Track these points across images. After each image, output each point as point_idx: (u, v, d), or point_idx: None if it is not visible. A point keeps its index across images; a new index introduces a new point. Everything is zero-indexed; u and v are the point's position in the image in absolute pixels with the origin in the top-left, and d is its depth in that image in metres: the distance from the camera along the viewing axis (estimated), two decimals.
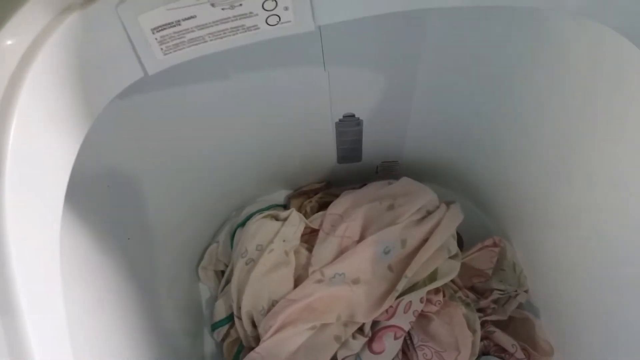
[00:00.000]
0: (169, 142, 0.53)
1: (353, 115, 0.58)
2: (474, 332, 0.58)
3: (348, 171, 0.71)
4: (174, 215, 0.60)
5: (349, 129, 0.60)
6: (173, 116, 0.50)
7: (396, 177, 0.67)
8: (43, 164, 0.29)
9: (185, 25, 0.31)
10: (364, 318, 0.56)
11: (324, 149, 0.65)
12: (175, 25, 0.30)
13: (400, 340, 0.56)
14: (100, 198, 0.45)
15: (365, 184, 0.68)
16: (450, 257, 0.60)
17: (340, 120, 0.58)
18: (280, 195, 0.75)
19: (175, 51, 0.32)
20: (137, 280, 0.50)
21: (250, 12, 0.31)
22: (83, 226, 0.41)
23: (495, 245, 0.65)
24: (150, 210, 0.54)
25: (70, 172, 0.31)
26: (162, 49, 0.31)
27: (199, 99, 0.48)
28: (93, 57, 0.30)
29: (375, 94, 0.54)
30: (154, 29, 0.30)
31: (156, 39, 0.31)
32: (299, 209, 0.69)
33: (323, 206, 0.68)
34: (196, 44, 0.32)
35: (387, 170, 0.73)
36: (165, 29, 0.30)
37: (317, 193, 0.73)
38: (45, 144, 0.29)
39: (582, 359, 0.53)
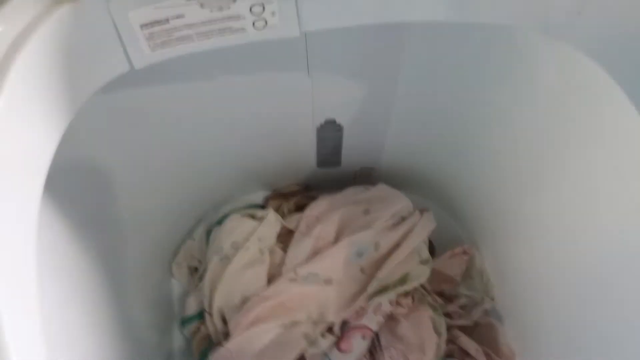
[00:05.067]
0: (149, 137, 0.53)
1: (334, 121, 0.59)
2: (439, 335, 0.59)
3: (327, 176, 0.73)
4: (150, 210, 0.60)
5: (330, 134, 0.61)
6: (155, 113, 0.50)
7: (373, 184, 0.69)
8: (25, 150, 0.29)
9: (173, 23, 0.32)
10: (334, 317, 0.57)
11: (304, 152, 0.66)
12: (164, 23, 0.31)
13: (368, 341, 0.57)
14: (76, 189, 0.45)
15: (342, 189, 0.70)
16: (421, 262, 0.62)
17: (321, 125, 0.59)
18: (258, 196, 0.75)
19: (162, 48, 0.32)
20: (109, 273, 0.50)
21: (238, 15, 0.32)
22: (58, 216, 0.41)
23: (465, 253, 0.67)
24: (125, 204, 0.54)
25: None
26: (150, 45, 0.32)
27: (182, 97, 0.49)
28: (81, 49, 0.31)
29: (357, 101, 0.56)
30: (143, 25, 0.31)
31: (145, 35, 0.32)
32: (277, 210, 0.70)
33: (300, 208, 0.69)
34: (183, 42, 0.33)
35: (365, 176, 0.75)
36: (154, 26, 0.31)
37: (295, 195, 0.74)
38: (29, 130, 0.29)
39: None
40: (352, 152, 0.67)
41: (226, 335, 0.60)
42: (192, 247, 0.69)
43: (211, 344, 0.63)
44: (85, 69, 0.32)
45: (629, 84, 0.35)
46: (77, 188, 0.45)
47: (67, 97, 0.32)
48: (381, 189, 0.66)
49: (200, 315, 0.64)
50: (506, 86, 0.49)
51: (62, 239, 0.42)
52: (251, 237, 0.61)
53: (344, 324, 0.59)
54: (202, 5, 0.31)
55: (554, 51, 0.41)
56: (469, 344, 0.61)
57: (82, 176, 0.46)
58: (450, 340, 0.62)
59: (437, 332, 0.59)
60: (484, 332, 0.64)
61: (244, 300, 0.59)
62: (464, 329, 0.64)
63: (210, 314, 0.61)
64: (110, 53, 0.33)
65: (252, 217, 0.65)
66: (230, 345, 0.56)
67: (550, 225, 0.52)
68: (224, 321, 0.60)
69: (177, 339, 0.67)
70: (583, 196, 0.45)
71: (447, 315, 0.64)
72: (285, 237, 0.66)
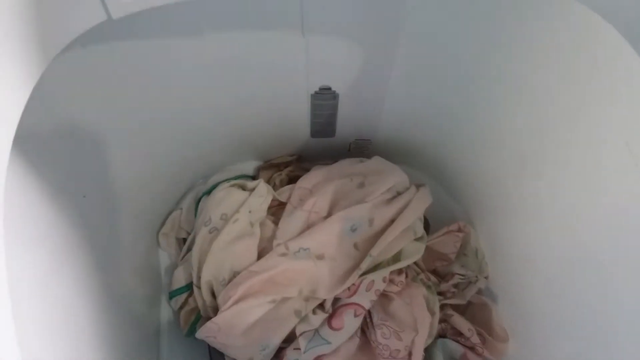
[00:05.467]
0: (135, 99, 0.50)
1: (329, 89, 0.56)
2: (432, 314, 0.58)
3: (320, 146, 0.70)
4: (136, 177, 0.58)
5: (325, 102, 0.58)
6: (140, 73, 0.47)
7: (368, 156, 0.66)
8: None
9: None
10: (326, 294, 0.56)
11: (297, 121, 0.63)
12: None
13: (360, 318, 0.56)
14: (56, 153, 0.42)
15: (337, 161, 0.67)
16: (416, 239, 0.60)
17: (316, 92, 0.56)
18: (249, 166, 0.73)
19: None
20: (95, 243, 0.48)
21: None
22: (37, 183, 0.38)
23: (460, 230, 0.65)
24: (111, 170, 0.52)
25: (23, 122, 0.29)
26: None
27: (168, 56, 0.46)
28: None
29: (354, 67, 0.53)
30: None
31: None
32: (268, 181, 0.68)
33: (293, 180, 0.67)
34: None
35: (360, 149, 0.72)
36: None
37: (287, 166, 0.71)
38: None
39: (536, 344, 0.54)
40: (347, 122, 0.64)
41: (214, 309, 0.58)
42: (179, 217, 0.66)
43: (199, 316, 0.62)
44: (57, 16, 0.29)
45: None
46: (56, 152, 0.42)
47: (37, 48, 0.29)
48: (377, 162, 0.64)
49: (189, 288, 0.62)
50: (513, 51, 0.46)
51: (48, 207, 0.40)
52: (241, 208, 0.59)
53: (336, 301, 0.57)
54: None
55: (565, 10, 0.38)
56: (462, 323, 0.60)
57: (68, 140, 0.43)
58: (443, 319, 0.61)
59: (431, 311, 0.58)
60: (477, 311, 0.63)
61: (233, 275, 0.57)
62: (456, 307, 0.63)
63: (199, 287, 0.59)
64: (85, 0, 0.29)
65: (242, 187, 0.62)
66: (218, 319, 0.54)
67: (550, 205, 0.50)
68: (213, 295, 0.59)
69: (165, 311, 0.65)
70: (587, 175, 0.43)
71: (440, 293, 0.63)
72: (277, 210, 0.63)
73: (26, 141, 0.28)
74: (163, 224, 0.66)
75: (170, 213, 0.67)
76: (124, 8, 0.29)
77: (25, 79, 0.29)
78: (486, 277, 0.64)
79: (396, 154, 0.70)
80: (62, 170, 0.43)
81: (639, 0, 0.32)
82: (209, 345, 0.60)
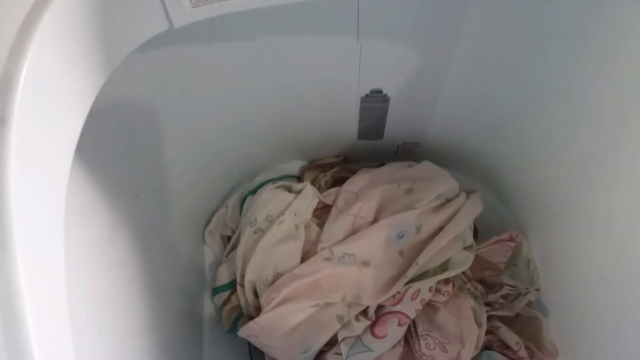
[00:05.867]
0: (187, 97, 0.50)
1: (381, 91, 0.55)
2: (479, 325, 0.56)
3: (367, 148, 0.69)
4: (187, 173, 0.59)
5: (375, 105, 0.57)
6: (195, 72, 0.47)
7: (416, 159, 0.65)
8: (56, 111, 0.27)
9: None
10: (370, 301, 0.55)
11: (345, 123, 0.62)
12: None
13: (404, 328, 0.55)
14: (115, 151, 0.43)
15: (383, 164, 0.66)
16: (465, 248, 0.58)
17: (366, 95, 0.55)
18: (294, 166, 0.72)
19: (204, 5, 0.29)
20: (142, 236, 0.49)
21: None
22: (91, 176, 0.39)
23: (511, 239, 0.63)
24: (163, 166, 0.53)
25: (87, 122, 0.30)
26: (191, 1, 0.28)
27: (223, 57, 0.46)
28: (117, 5, 0.28)
29: (407, 71, 0.51)
30: None
31: None
32: (313, 182, 0.67)
33: (338, 181, 0.66)
34: (226, 0, 0.29)
35: (408, 152, 0.70)
36: None
37: (332, 167, 0.70)
38: (59, 90, 0.27)
39: None
40: (396, 125, 0.63)
41: (256, 308, 0.59)
42: (225, 215, 0.67)
43: (241, 314, 0.62)
44: (123, 25, 0.30)
45: None
46: (120, 149, 0.44)
47: (102, 55, 0.29)
48: (426, 167, 0.62)
49: (232, 285, 0.63)
50: (581, 61, 0.43)
51: (105, 203, 0.41)
52: (286, 210, 0.59)
53: (379, 309, 0.56)
54: None
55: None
56: (510, 336, 0.58)
57: (127, 135, 0.45)
58: (490, 331, 0.59)
59: (478, 323, 0.56)
60: (526, 324, 0.60)
61: (277, 276, 0.57)
62: (504, 319, 0.60)
63: (242, 286, 0.59)
64: (149, 10, 0.30)
65: (289, 189, 0.62)
66: (261, 320, 0.54)
67: (606, 218, 0.47)
68: (255, 294, 0.59)
69: (208, 307, 0.66)
70: None
71: (488, 304, 0.61)
72: (322, 212, 0.63)
73: (91, 134, 0.29)
74: (209, 221, 0.67)
75: (215, 211, 0.68)
76: (185, 18, 0.29)
77: (95, 79, 0.29)
78: (537, 289, 0.62)
79: (446, 158, 0.68)
80: (121, 167, 0.44)
81: None
82: (249, 342, 0.60)
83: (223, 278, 0.64)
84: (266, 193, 0.61)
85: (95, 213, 0.40)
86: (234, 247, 0.63)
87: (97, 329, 0.38)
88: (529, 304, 0.62)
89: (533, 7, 0.41)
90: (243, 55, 0.46)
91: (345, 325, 0.55)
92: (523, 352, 0.57)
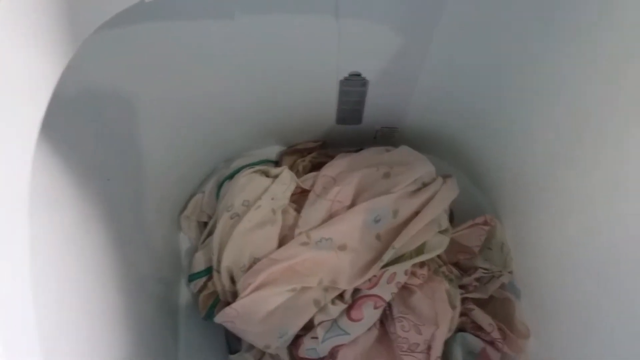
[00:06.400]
0: (165, 77, 0.49)
1: (359, 75, 0.54)
2: (453, 308, 0.57)
3: (345, 133, 0.69)
4: (162, 158, 0.57)
5: (354, 88, 0.57)
6: (171, 52, 0.46)
7: (394, 144, 0.65)
8: (19, 87, 0.26)
9: None
10: (346, 285, 0.55)
11: (323, 107, 0.62)
12: None
13: (380, 310, 0.55)
14: (85, 131, 0.42)
15: (361, 149, 0.66)
16: (440, 232, 0.59)
17: (345, 78, 0.55)
18: (272, 151, 0.72)
19: None
20: (117, 221, 0.48)
21: None
22: (63, 160, 0.38)
23: (486, 223, 0.63)
24: (136, 150, 0.52)
25: (54, 97, 0.28)
26: None
27: (199, 38, 0.44)
28: None
29: (386, 54, 0.51)
30: None
31: None
32: (291, 167, 0.67)
33: (316, 166, 0.66)
34: None
35: (386, 137, 0.70)
36: None
37: (311, 152, 0.70)
38: (23, 65, 0.26)
39: (557, 345, 0.53)
40: (374, 109, 0.63)
41: (233, 294, 0.58)
42: (201, 201, 0.66)
43: (217, 300, 0.62)
44: (85, 1, 0.28)
45: None
46: (90, 130, 0.42)
47: (69, 29, 0.28)
48: (404, 152, 0.62)
49: (208, 271, 0.62)
50: (562, 47, 0.44)
51: (72, 184, 0.40)
52: (263, 195, 0.58)
53: (356, 292, 0.56)
54: None
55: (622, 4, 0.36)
56: (483, 318, 0.59)
57: (97, 117, 0.43)
58: (464, 313, 0.60)
59: (452, 305, 0.57)
60: (499, 306, 0.61)
61: (254, 261, 0.56)
62: (478, 302, 0.62)
63: (218, 272, 0.58)
64: None
65: (266, 174, 0.62)
66: (237, 305, 0.54)
67: (580, 203, 0.48)
68: (232, 280, 0.58)
69: (184, 294, 0.65)
70: (632, 178, 0.41)
71: (462, 287, 0.62)
72: (299, 197, 0.62)
73: (57, 114, 0.28)
74: (185, 206, 0.66)
75: (192, 196, 0.66)
76: None
77: (58, 57, 0.28)
78: (510, 272, 0.63)
79: (423, 143, 0.68)
80: (90, 149, 0.42)
81: None
82: (226, 328, 0.60)
83: (199, 264, 0.63)
84: (243, 178, 0.60)
85: (65, 199, 0.39)
86: (210, 233, 0.63)
87: (69, 320, 0.37)
88: (502, 287, 0.63)
89: None
90: (219, 35, 0.44)
91: (322, 309, 0.55)
92: (496, 334, 0.58)
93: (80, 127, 0.41)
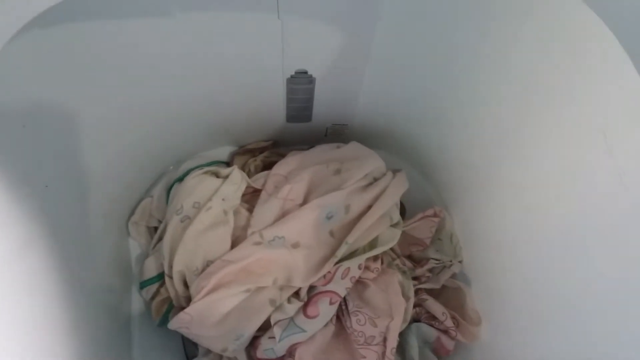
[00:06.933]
0: (104, 82, 0.47)
1: (305, 72, 0.54)
2: (407, 299, 0.58)
3: (296, 131, 0.69)
4: (106, 164, 0.55)
5: (301, 86, 0.57)
6: (108, 55, 0.44)
7: (345, 141, 0.66)
8: None
9: None
10: (301, 282, 0.55)
11: (272, 106, 0.61)
12: None
13: (335, 306, 0.56)
14: (17, 138, 0.39)
15: (313, 146, 0.66)
16: (392, 225, 0.60)
17: (292, 76, 0.55)
18: (223, 152, 0.71)
19: None
20: (60, 232, 0.46)
21: None
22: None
23: (435, 215, 0.65)
24: (78, 157, 0.49)
25: None
26: None
27: (136, 38, 0.43)
28: None
29: (331, 50, 0.51)
30: None
31: None
32: (243, 168, 0.66)
33: (268, 166, 0.66)
34: None
35: (337, 133, 0.71)
36: None
37: (262, 152, 0.70)
38: None
39: (509, 329, 0.55)
40: (323, 107, 0.63)
41: (187, 298, 0.57)
42: (150, 205, 0.64)
43: (171, 306, 0.60)
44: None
45: (628, 36, 0.32)
46: (24, 137, 0.40)
47: None
48: (354, 148, 0.63)
49: (160, 277, 0.61)
50: (495, 39, 0.45)
51: (6, 195, 0.37)
52: (214, 196, 0.57)
53: (311, 289, 0.57)
54: None
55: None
56: (436, 308, 0.61)
57: (30, 124, 0.41)
58: (418, 304, 0.62)
59: (406, 296, 0.58)
60: (451, 296, 0.63)
61: (207, 264, 0.55)
62: (431, 292, 0.63)
63: (170, 277, 0.57)
64: None
65: (216, 174, 0.61)
66: (191, 310, 0.53)
67: (526, 191, 0.51)
68: (185, 284, 0.57)
69: (137, 302, 0.63)
70: (565, 163, 0.43)
71: (415, 278, 0.63)
72: (251, 197, 0.62)
73: None
74: (133, 212, 0.64)
75: (140, 201, 0.64)
76: None
77: None
78: (460, 262, 0.65)
79: (373, 139, 0.69)
80: (20, 155, 0.40)
81: None
82: (182, 334, 0.59)
83: (150, 271, 0.61)
84: (192, 179, 0.59)
85: (2, 212, 0.36)
86: (161, 238, 0.61)
87: (17, 340, 0.35)
88: (454, 276, 0.65)
89: None
90: (157, 33, 0.43)
91: (278, 308, 0.55)
92: (449, 322, 0.60)
93: (12, 137, 0.39)
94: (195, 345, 0.60)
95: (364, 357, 0.54)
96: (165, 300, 0.61)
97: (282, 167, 0.62)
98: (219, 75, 0.52)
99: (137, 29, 0.41)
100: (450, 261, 0.64)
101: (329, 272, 0.56)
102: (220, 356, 0.57)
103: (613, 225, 0.37)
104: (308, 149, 0.67)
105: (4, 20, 0.26)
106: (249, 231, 0.57)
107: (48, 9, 0.28)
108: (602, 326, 0.40)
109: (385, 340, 0.56)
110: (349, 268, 0.56)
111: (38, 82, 0.40)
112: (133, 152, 0.60)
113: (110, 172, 0.57)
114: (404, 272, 0.61)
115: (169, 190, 0.64)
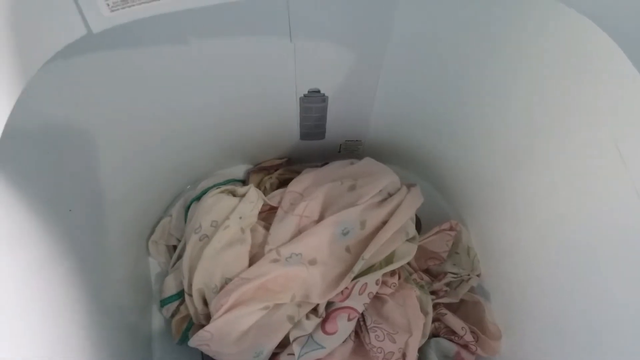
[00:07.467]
0: (124, 106, 0.49)
1: (318, 91, 0.56)
2: (426, 314, 0.58)
3: (310, 148, 0.70)
4: (125, 185, 0.57)
5: (314, 105, 0.58)
6: (125, 79, 0.46)
7: (359, 157, 0.66)
8: None
9: None
10: (319, 299, 0.55)
11: (286, 124, 0.63)
12: None
13: (354, 322, 0.56)
14: (42, 162, 0.41)
15: (327, 163, 0.67)
16: (408, 240, 0.60)
17: (305, 95, 0.56)
18: (239, 170, 0.72)
19: (123, 8, 0.28)
20: (82, 251, 0.47)
21: None
22: (20, 192, 0.37)
23: (451, 229, 0.65)
24: (99, 178, 0.51)
25: (6, 131, 0.28)
26: (108, 4, 0.28)
27: (155, 64, 0.45)
28: (30, 10, 0.27)
29: (343, 70, 0.52)
30: None
31: None
32: (258, 185, 0.67)
33: (283, 183, 0.66)
34: (147, 2, 0.29)
35: (350, 150, 0.72)
36: None
37: (277, 169, 0.71)
38: None
39: (529, 342, 0.55)
40: (337, 124, 0.64)
41: (207, 316, 0.58)
42: (169, 224, 0.65)
43: (191, 324, 0.61)
44: (36, 33, 0.28)
45: (635, 51, 0.32)
46: (48, 162, 0.42)
47: (17, 65, 0.28)
48: (368, 164, 0.64)
49: (180, 295, 0.62)
50: (503, 55, 0.46)
51: (31, 217, 0.39)
52: (231, 215, 0.58)
53: (329, 305, 0.57)
54: None
55: (556, 15, 0.38)
56: (455, 322, 0.60)
57: (54, 149, 0.42)
58: (436, 319, 0.61)
59: (424, 311, 0.58)
60: (470, 310, 0.63)
61: (225, 282, 0.56)
62: (449, 306, 0.63)
63: (190, 295, 0.58)
64: (64, 15, 0.28)
65: (233, 193, 0.62)
66: (211, 328, 0.54)
67: (541, 203, 0.51)
68: (205, 302, 0.58)
69: (157, 320, 0.64)
70: (578, 174, 0.43)
71: (433, 292, 0.63)
72: (268, 214, 0.63)
73: (10, 148, 0.27)
74: (152, 231, 0.65)
75: (159, 220, 0.66)
76: (103, 22, 0.28)
77: (7, 92, 0.28)
78: (478, 275, 0.65)
79: (387, 154, 0.69)
80: (48, 181, 0.42)
81: (627, 2, 0.32)
82: (202, 352, 0.59)
83: (170, 289, 0.62)
84: (210, 198, 0.60)
85: (26, 235, 0.38)
86: (180, 256, 0.62)
87: (32, 348, 0.36)
88: (472, 290, 0.64)
89: (453, 5, 0.43)
90: (175, 60, 0.45)
91: (296, 324, 0.55)
92: (469, 337, 0.59)
93: (36, 160, 0.40)
94: None
95: None
96: (185, 318, 0.61)
97: (297, 185, 0.62)
98: (235, 97, 0.54)
99: (155, 56, 0.43)
100: (468, 275, 0.64)
101: (347, 288, 0.56)
102: None
103: (629, 236, 0.37)
104: (322, 165, 0.67)
105: (29, 57, 0.28)
106: (266, 248, 0.58)
107: (74, 41, 0.29)
108: (621, 341, 0.39)
109: (404, 356, 0.56)
110: (366, 284, 0.56)
111: (64, 106, 0.42)
112: (152, 173, 0.62)
113: (129, 193, 0.58)
114: (421, 287, 0.61)
115: (187, 209, 0.65)
